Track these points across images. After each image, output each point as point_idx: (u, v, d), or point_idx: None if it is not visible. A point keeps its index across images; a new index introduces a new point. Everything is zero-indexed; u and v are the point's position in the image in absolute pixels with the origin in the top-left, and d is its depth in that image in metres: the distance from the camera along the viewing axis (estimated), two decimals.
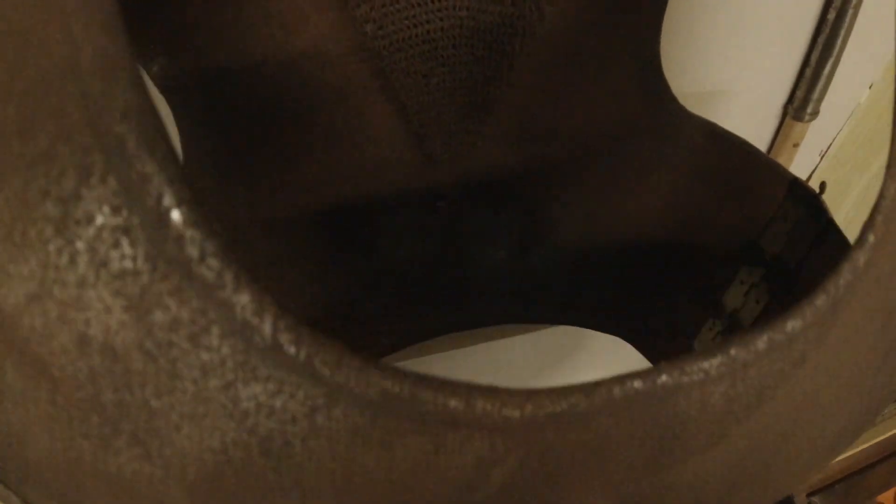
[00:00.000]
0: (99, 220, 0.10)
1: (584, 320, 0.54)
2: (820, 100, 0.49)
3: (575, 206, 0.44)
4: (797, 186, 0.35)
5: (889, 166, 0.13)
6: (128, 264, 0.10)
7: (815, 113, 0.50)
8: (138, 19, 0.27)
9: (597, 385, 0.13)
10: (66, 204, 0.10)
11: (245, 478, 0.12)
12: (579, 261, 0.49)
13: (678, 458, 0.16)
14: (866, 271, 0.14)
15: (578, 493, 0.15)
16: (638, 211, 0.44)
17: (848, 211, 0.60)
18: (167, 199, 0.10)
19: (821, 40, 0.45)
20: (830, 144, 0.55)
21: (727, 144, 0.38)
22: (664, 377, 0.13)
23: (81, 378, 0.11)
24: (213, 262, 0.10)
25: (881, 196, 0.13)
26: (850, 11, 0.43)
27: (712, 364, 0.13)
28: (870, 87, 0.52)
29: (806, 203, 0.35)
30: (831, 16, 0.44)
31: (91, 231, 0.10)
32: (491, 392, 0.12)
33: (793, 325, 0.13)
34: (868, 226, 0.13)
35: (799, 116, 0.50)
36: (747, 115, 0.51)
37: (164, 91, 0.30)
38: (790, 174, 0.35)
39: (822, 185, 0.35)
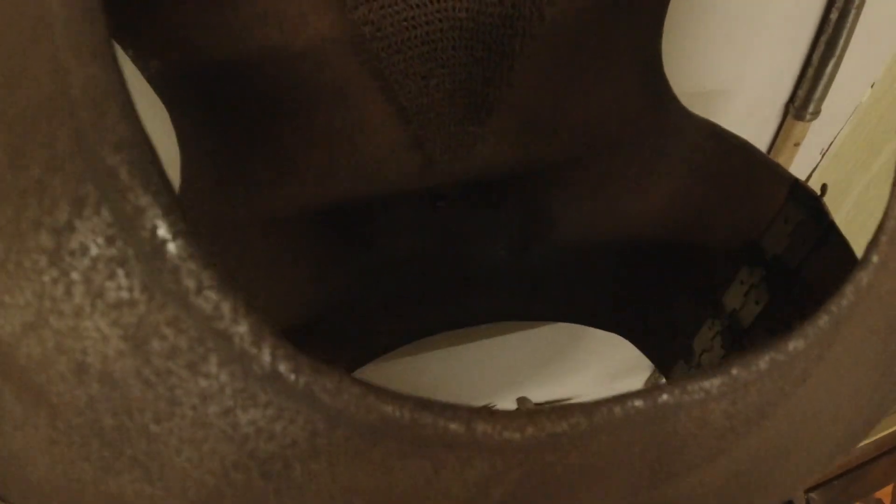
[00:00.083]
0: (93, 250, 0.10)
1: (584, 318, 0.54)
2: (821, 99, 0.48)
3: (575, 206, 0.44)
4: (798, 188, 0.35)
5: (894, 185, 0.13)
6: (124, 295, 0.10)
7: (817, 112, 0.49)
8: (135, 18, 0.27)
9: (597, 405, 0.13)
10: (59, 235, 0.10)
11: (245, 499, 0.12)
12: (579, 259, 0.49)
13: (677, 472, 0.16)
14: (869, 290, 0.14)
15: None
16: (638, 210, 0.43)
17: (849, 210, 0.60)
18: (162, 232, 0.10)
19: (823, 40, 0.45)
20: (831, 143, 0.55)
21: (728, 145, 0.38)
22: (665, 396, 0.13)
23: (80, 404, 0.11)
24: (211, 294, 0.10)
25: (886, 216, 0.13)
26: (853, 11, 0.43)
27: (713, 384, 0.13)
28: (871, 87, 0.51)
29: (807, 205, 0.34)
30: (834, 15, 0.43)
31: (86, 262, 0.10)
32: (491, 415, 0.12)
33: (795, 345, 0.13)
34: (872, 246, 0.13)
35: (800, 116, 0.50)
36: (748, 114, 0.50)
37: (162, 90, 0.30)
38: (791, 175, 0.35)
39: (824, 187, 0.35)
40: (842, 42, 0.45)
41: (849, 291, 0.13)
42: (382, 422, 0.11)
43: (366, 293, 0.46)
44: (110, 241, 0.10)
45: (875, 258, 0.13)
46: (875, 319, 0.15)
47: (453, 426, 0.11)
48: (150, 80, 0.29)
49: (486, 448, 0.12)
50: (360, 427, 0.11)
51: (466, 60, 0.34)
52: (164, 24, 0.27)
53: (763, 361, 0.13)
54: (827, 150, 0.56)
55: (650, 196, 0.42)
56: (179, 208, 0.10)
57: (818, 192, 0.34)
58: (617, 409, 0.13)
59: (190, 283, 0.10)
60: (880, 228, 0.13)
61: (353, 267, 0.44)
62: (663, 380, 0.56)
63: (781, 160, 0.54)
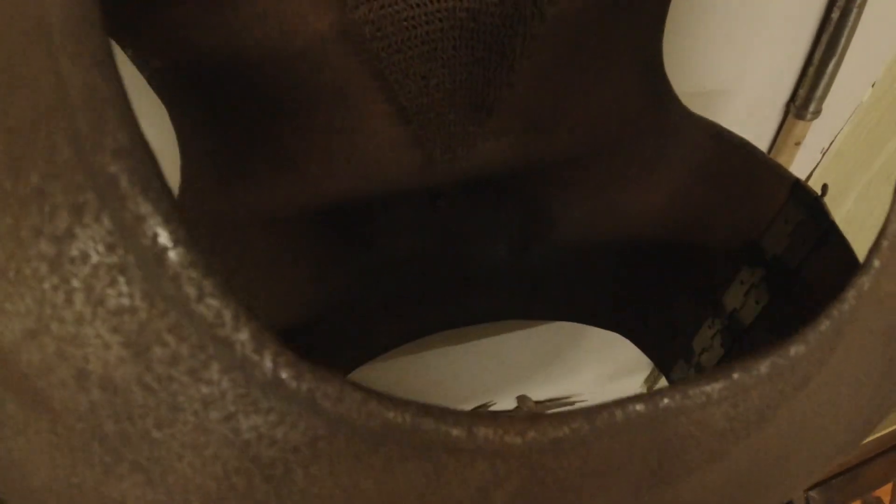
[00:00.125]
0: (94, 258, 0.10)
1: (584, 317, 0.54)
2: (822, 98, 0.48)
3: (575, 205, 0.44)
4: (799, 188, 0.35)
5: None
6: (125, 302, 0.10)
7: (818, 112, 0.49)
8: (135, 18, 0.27)
9: (599, 409, 0.13)
10: (59, 242, 0.10)
11: (247, 503, 0.12)
12: (579, 259, 0.49)
13: (678, 474, 0.16)
14: (870, 294, 0.14)
15: None
16: (638, 210, 0.43)
17: (849, 209, 0.60)
18: (163, 239, 0.10)
19: (824, 39, 0.45)
20: (832, 143, 0.55)
21: (729, 145, 0.38)
22: (666, 401, 0.13)
23: (82, 410, 0.11)
24: (212, 302, 0.10)
25: (888, 220, 0.13)
26: (854, 11, 0.43)
27: (714, 388, 0.13)
28: (872, 86, 0.51)
29: (808, 205, 0.34)
30: (835, 15, 0.43)
31: (86, 269, 0.10)
32: (492, 420, 0.12)
33: (796, 349, 0.13)
34: (874, 251, 0.13)
35: (801, 115, 0.50)
36: (749, 113, 0.50)
37: (162, 90, 0.30)
38: (792, 175, 0.35)
39: (825, 188, 0.35)
40: (843, 41, 0.45)
41: (850, 296, 0.13)
42: (384, 427, 0.11)
43: (366, 293, 0.46)
44: (111, 248, 0.10)
45: (877, 262, 0.13)
46: (876, 323, 0.15)
47: (455, 431, 0.11)
48: (150, 79, 0.29)
49: (488, 452, 0.12)
50: (361, 432, 0.11)
51: (467, 60, 0.34)
52: (163, 23, 0.27)
53: (764, 366, 0.13)
54: (827, 150, 0.56)
55: (650, 196, 0.42)
56: (180, 216, 0.10)
57: (819, 192, 0.34)
58: (618, 413, 0.13)
59: (191, 291, 0.10)
60: (882, 233, 0.13)
61: (353, 267, 0.44)
62: (662, 378, 0.56)
63: (782, 159, 0.54)
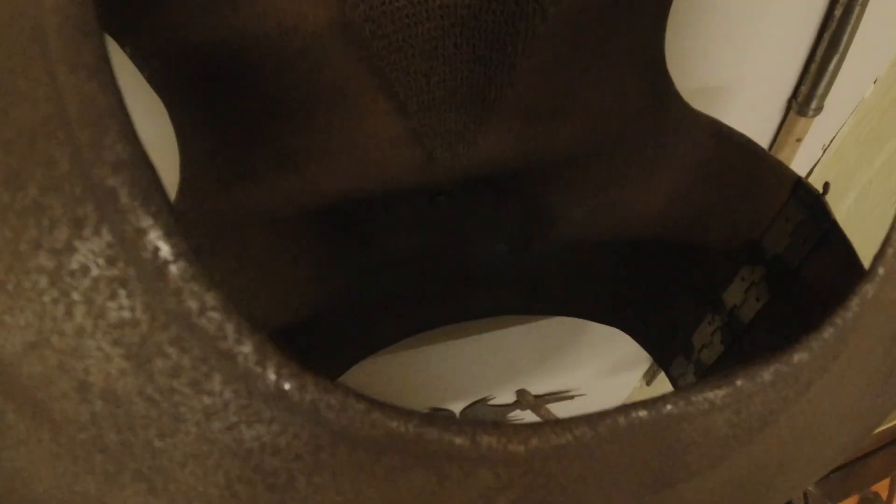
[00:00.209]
0: (94, 271, 0.10)
1: (584, 313, 0.54)
2: (824, 95, 0.48)
3: (576, 204, 0.44)
4: (801, 187, 0.35)
5: None
6: (126, 314, 0.10)
7: (819, 108, 0.49)
8: (135, 18, 0.27)
9: (602, 416, 0.13)
10: (59, 255, 0.10)
11: None
12: (580, 257, 0.49)
13: (680, 478, 0.16)
14: (874, 302, 0.14)
15: None
16: (639, 209, 0.43)
17: (849, 206, 0.60)
18: (164, 253, 0.10)
19: (826, 36, 0.45)
20: (833, 139, 0.55)
21: (731, 143, 0.38)
22: (669, 407, 0.13)
23: (83, 421, 0.11)
24: (214, 315, 0.10)
25: (893, 228, 0.13)
26: (857, 8, 0.42)
27: (717, 395, 0.13)
28: (874, 83, 0.51)
29: (809, 204, 0.34)
30: (838, 12, 0.43)
31: (86, 282, 0.10)
32: (495, 428, 0.12)
33: (800, 357, 0.13)
34: (878, 258, 0.13)
35: (803, 112, 0.49)
36: (751, 109, 0.50)
37: (161, 90, 0.30)
38: (794, 174, 0.35)
39: (826, 186, 0.34)
40: (845, 38, 0.44)
41: (854, 304, 0.13)
42: (387, 437, 0.11)
43: (366, 292, 0.46)
44: (111, 261, 0.10)
45: (881, 270, 0.13)
46: (879, 329, 0.15)
47: (458, 440, 0.11)
48: (150, 79, 0.29)
49: (491, 460, 0.12)
50: (364, 442, 0.11)
51: (468, 58, 0.33)
52: (163, 23, 0.27)
53: (768, 373, 0.13)
54: (828, 146, 0.55)
55: (651, 194, 0.42)
56: (181, 229, 0.09)
57: (820, 191, 0.34)
58: (621, 420, 0.13)
59: (193, 305, 0.10)
60: (887, 240, 0.13)
61: (353, 265, 0.44)
62: (661, 372, 0.56)
63: (783, 156, 0.54)
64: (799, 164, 0.56)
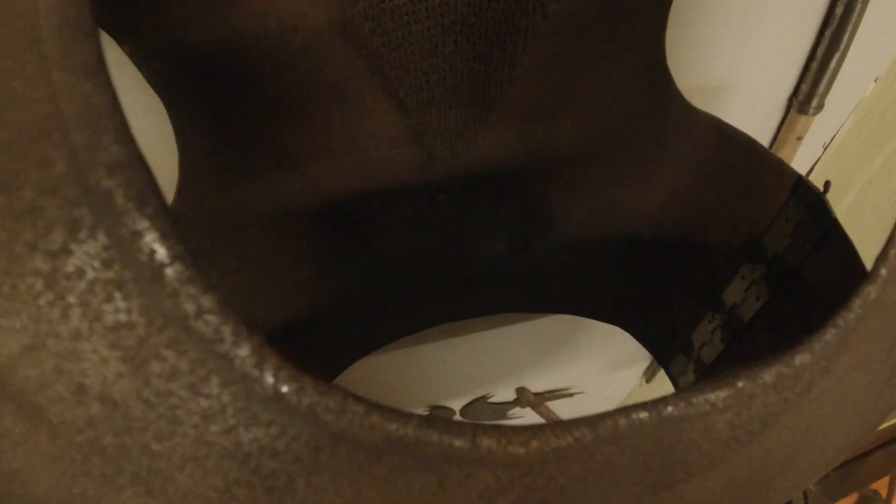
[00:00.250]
0: (90, 274, 0.10)
1: (584, 310, 0.54)
2: (825, 94, 0.48)
3: (576, 203, 0.44)
4: (802, 186, 0.34)
5: None
6: (122, 317, 0.10)
7: (820, 107, 0.49)
8: (134, 18, 0.27)
9: (602, 417, 0.13)
10: (54, 258, 0.10)
11: None
12: (581, 255, 0.49)
13: (679, 479, 0.16)
14: (876, 303, 0.14)
15: None
16: (639, 208, 0.43)
17: (849, 204, 0.60)
18: (160, 256, 0.10)
19: (828, 34, 0.45)
20: (833, 137, 0.55)
21: (731, 142, 0.37)
22: (670, 409, 0.13)
23: (80, 424, 0.11)
24: (211, 318, 0.10)
25: None
26: (858, 5, 0.42)
27: (719, 396, 0.13)
28: (875, 81, 0.51)
29: (810, 203, 0.34)
30: (839, 9, 0.43)
31: (82, 285, 0.10)
32: (495, 431, 0.12)
33: (801, 359, 0.13)
34: (881, 259, 0.13)
35: (804, 110, 0.49)
36: (751, 107, 0.50)
37: (160, 89, 0.30)
38: (795, 173, 0.35)
39: (827, 184, 0.34)
40: (846, 36, 0.44)
41: (856, 305, 0.13)
42: (387, 440, 0.11)
43: (366, 291, 0.46)
44: (107, 264, 0.10)
45: (883, 271, 0.13)
46: (881, 330, 0.15)
47: (458, 443, 0.11)
48: (149, 78, 0.29)
49: (491, 462, 0.12)
50: (363, 444, 0.11)
51: (468, 56, 0.33)
52: (163, 23, 0.27)
53: (769, 375, 0.13)
54: (829, 145, 0.55)
55: (651, 194, 0.42)
56: (178, 231, 0.09)
57: (821, 189, 0.34)
58: (622, 422, 0.13)
59: (190, 308, 0.10)
60: (889, 241, 0.13)
61: (353, 265, 0.44)
62: (661, 370, 0.56)
63: (783, 154, 0.54)
64: (799, 163, 0.56)
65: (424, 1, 0.31)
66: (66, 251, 0.10)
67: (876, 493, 0.86)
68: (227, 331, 0.10)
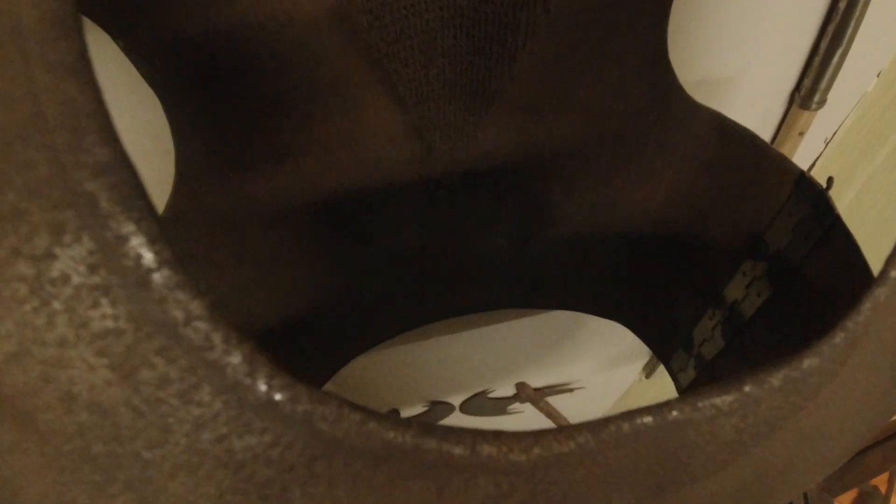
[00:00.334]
0: (75, 279, 0.10)
1: (584, 307, 0.54)
2: (828, 89, 0.48)
3: (577, 199, 0.44)
4: (804, 182, 0.34)
5: None
6: (109, 324, 0.10)
7: (823, 102, 0.49)
8: (129, 13, 0.26)
9: (606, 422, 0.13)
10: (39, 263, 0.10)
11: None
12: (581, 250, 0.48)
13: (683, 482, 0.16)
14: (885, 306, 0.13)
15: None
16: (640, 204, 0.43)
17: (850, 200, 0.60)
18: (147, 261, 0.09)
19: (830, 28, 0.44)
20: (835, 132, 0.54)
21: (733, 137, 0.37)
22: (675, 413, 0.13)
23: (69, 431, 0.11)
24: (200, 325, 0.09)
25: None
26: (861, 1, 0.42)
27: (725, 400, 0.13)
28: (878, 77, 0.51)
29: (812, 199, 0.34)
30: (842, 4, 0.42)
31: (68, 291, 0.10)
32: (496, 437, 0.11)
33: (810, 362, 0.12)
34: (891, 262, 0.13)
35: (806, 105, 0.49)
36: (753, 102, 0.50)
37: (155, 84, 0.29)
38: (798, 168, 0.34)
39: (830, 180, 0.34)
40: (849, 31, 0.44)
41: (866, 308, 0.13)
42: (384, 448, 0.10)
43: (365, 287, 0.46)
44: (93, 269, 0.10)
45: (893, 273, 0.13)
46: (888, 333, 0.15)
47: (457, 450, 0.11)
48: (144, 74, 0.28)
49: (492, 469, 0.12)
50: (360, 452, 0.11)
51: (468, 50, 0.33)
52: (158, 17, 0.27)
53: (777, 378, 0.12)
54: (831, 140, 0.55)
55: (653, 189, 0.42)
56: (165, 235, 0.09)
57: (824, 185, 0.33)
58: (626, 427, 0.13)
59: (178, 314, 0.09)
60: None
61: (353, 261, 0.43)
62: (661, 366, 0.55)
63: (785, 150, 0.53)
64: (801, 159, 0.56)
65: None
66: (50, 256, 0.10)
67: (875, 488, 0.86)
68: (217, 338, 0.09)
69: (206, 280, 0.35)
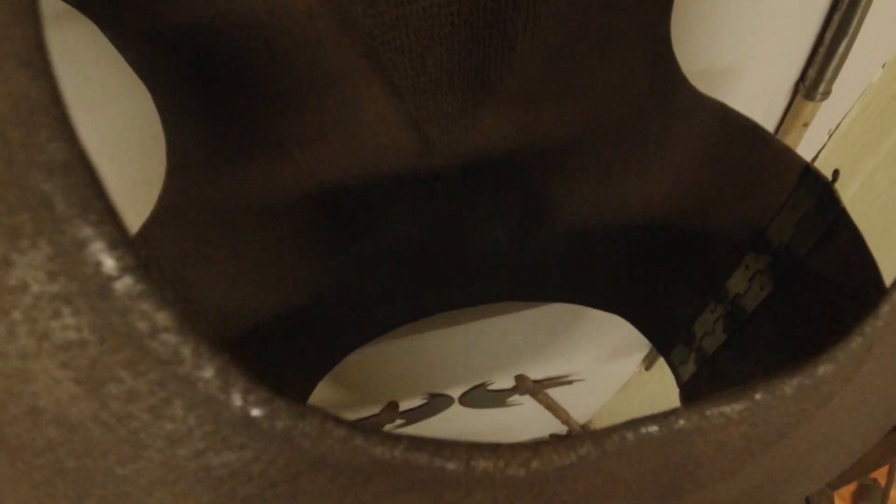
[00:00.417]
0: (34, 287, 0.09)
1: (585, 299, 0.53)
2: (832, 80, 0.47)
3: (577, 190, 0.43)
4: (809, 174, 0.33)
5: None
6: (72, 335, 0.09)
7: (827, 93, 0.48)
8: (118, 2, 0.25)
9: (609, 432, 0.12)
10: None
11: None
12: (581, 243, 0.48)
13: (688, 490, 0.15)
14: None
15: None
16: (642, 195, 0.42)
17: (854, 193, 0.59)
18: (107, 268, 0.08)
19: (836, 18, 0.43)
20: (839, 123, 0.53)
21: (737, 127, 0.36)
22: (682, 422, 0.12)
23: (39, 446, 0.10)
24: (168, 337, 0.09)
25: None
26: None
27: (734, 409, 0.12)
28: (883, 67, 0.50)
29: (817, 192, 0.33)
30: None
31: (27, 300, 0.09)
32: (492, 451, 0.11)
33: (825, 369, 0.12)
34: None
35: (810, 96, 0.48)
36: (757, 93, 0.49)
37: (145, 75, 0.28)
38: (803, 160, 0.33)
39: (836, 173, 0.33)
40: (855, 21, 0.43)
41: (884, 312, 0.12)
42: (372, 464, 0.10)
43: (364, 280, 0.45)
44: (52, 276, 0.09)
45: None
46: None
47: (451, 465, 0.10)
48: (133, 63, 0.27)
49: (488, 484, 0.11)
50: (347, 469, 0.10)
51: (466, 38, 0.32)
52: (147, 5, 0.26)
53: (789, 386, 0.12)
54: (835, 131, 0.54)
55: (655, 180, 0.41)
56: (128, 239, 0.08)
57: (829, 178, 0.33)
58: (630, 436, 0.12)
59: (143, 326, 0.09)
60: None
61: (350, 254, 0.43)
62: (661, 358, 0.55)
63: (789, 140, 0.52)
64: (804, 150, 0.55)
65: None
66: (6, 262, 0.09)
67: (875, 481, 0.86)
68: (186, 351, 0.09)
69: (201, 276, 0.35)
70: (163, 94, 0.29)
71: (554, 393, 0.77)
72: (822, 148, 0.56)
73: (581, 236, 0.47)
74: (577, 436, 0.11)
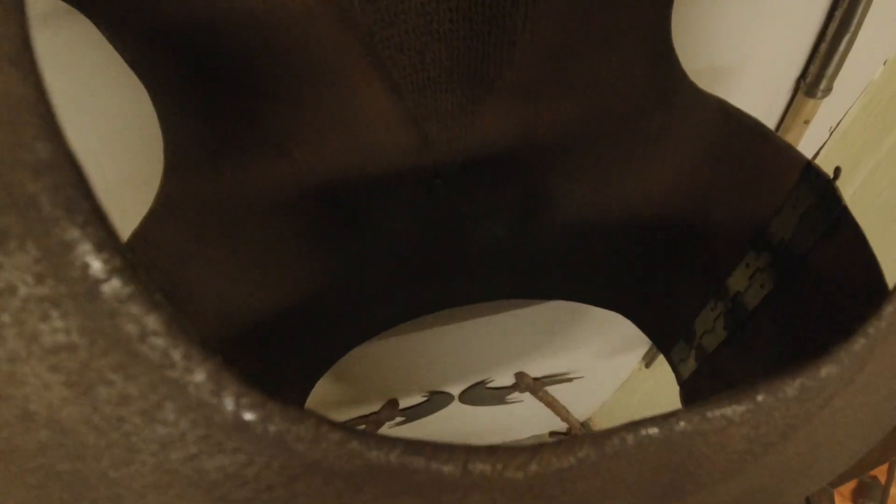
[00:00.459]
0: (22, 290, 0.09)
1: (584, 296, 0.53)
2: (834, 76, 0.47)
3: (577, 186, 0.43)
4: (811, 171, 0.33)
5: None
6: (61, 338, 0.09)
7: (829, 90, 0.47)
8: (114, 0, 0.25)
9: (609, 434, 0.12)
10: None
11: None
12: (581, 240, 0.48)
13: (689, 491, 0.15)
14: None
15: None
16: (642, 191, 0.42)
17: (856, 190, 0.59)
18: (95, 270, 0.08)
19: (838, 15, 0.43)
20: (840, 121, 0.53)
21: (739, 124, 0.36)
22: (682, 424, 0.12)
23: (31, 449, 0.10)
24: (157, 341, 0.08)
25: None
26: None
27: (736, 411, 0.12)
28: (884, 64, 0.50)
29: (819, 189, 0.33)
30: None
31: (15, 302, 0.09)
32: (490, 454, 0.10)
33: (828, 371, 0.12)
34: None
35: (812, 93, 0.48)
36: (758, 90, 0.49)
37: (141, 72, 0.28)
38: (804, 157, 0.33)
39: (837, 170, 0.33)
40: (856, 18, 0.43)
41: (887, 313, 0.12)
42: (368, 469, 0.10)
43: (363, 276, 0.45)
44: (39, 279, 0.09)
45: None
46: None
47: (448, 469, 0.10)
48: (129, 61, 0.27)
49: (486, 487, 0.11)
50: (343, 473, 0.10)
51: (465, 34, 0.32)
52: (145, 6, 0.26)
53: (792, 388, 0.12)
54: (836, 128, 0.54)
55: (655, 178, 0.41)
56: (115, 241, 0.08)
57: (830, 175, 0.32)
58: (630, 438, 0.12)
59: (132, 329, 0.08)
60: None
61: (349, 251, 0.42)
62: (661, 355, 0.55)
63: (790, 137, 0.52)
64: (805, 147, 0.55)
65: None
66: None
67: (875, 479, 0.86)
68: (177, 355, 0.09)
69: (200, 274, 0.34)
70: (162, 94, 0.29)
71: (554, 390, 0.77)
72: (823, 145, 0.56)
73: (581, 234, 0.47)
74: (577, 438, 0.11)
